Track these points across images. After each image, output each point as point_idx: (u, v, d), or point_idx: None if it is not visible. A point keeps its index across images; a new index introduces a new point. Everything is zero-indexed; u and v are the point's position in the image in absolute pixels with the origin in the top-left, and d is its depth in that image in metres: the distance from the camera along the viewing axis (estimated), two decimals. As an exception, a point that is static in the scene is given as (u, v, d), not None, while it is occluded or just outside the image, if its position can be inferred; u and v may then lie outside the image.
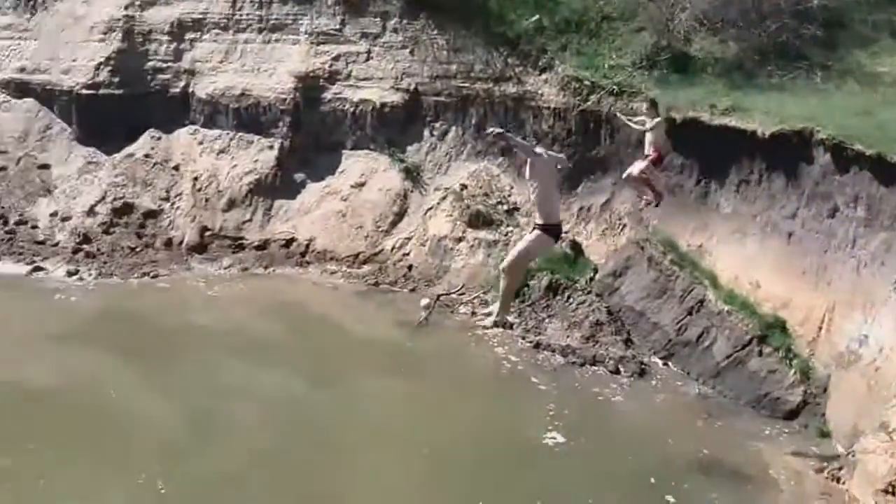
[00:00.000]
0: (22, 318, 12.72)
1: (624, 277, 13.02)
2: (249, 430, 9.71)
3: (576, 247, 14.16)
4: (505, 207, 15.30)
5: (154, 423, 9.76)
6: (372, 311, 13.76)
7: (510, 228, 14.82)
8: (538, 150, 9.92)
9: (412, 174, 15.99)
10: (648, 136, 12.94)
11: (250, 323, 13.01)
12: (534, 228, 9.85)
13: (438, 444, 9.64)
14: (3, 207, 15.80)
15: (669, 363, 11.83)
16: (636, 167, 12.97)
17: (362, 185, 16.04)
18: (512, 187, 15.50)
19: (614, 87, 14.54)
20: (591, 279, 13.45)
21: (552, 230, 9.74)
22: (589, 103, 14.69)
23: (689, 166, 13.51)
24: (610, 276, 13.21)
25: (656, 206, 13.25)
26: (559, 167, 10.76)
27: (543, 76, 15.41)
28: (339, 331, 12.95)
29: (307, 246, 15.46)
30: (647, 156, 12.91)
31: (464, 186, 15.57)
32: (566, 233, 13.74)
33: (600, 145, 14.82)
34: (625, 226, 14.33)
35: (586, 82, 14.80)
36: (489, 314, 11.06)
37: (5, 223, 15.51)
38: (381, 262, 15.18)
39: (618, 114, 14.05)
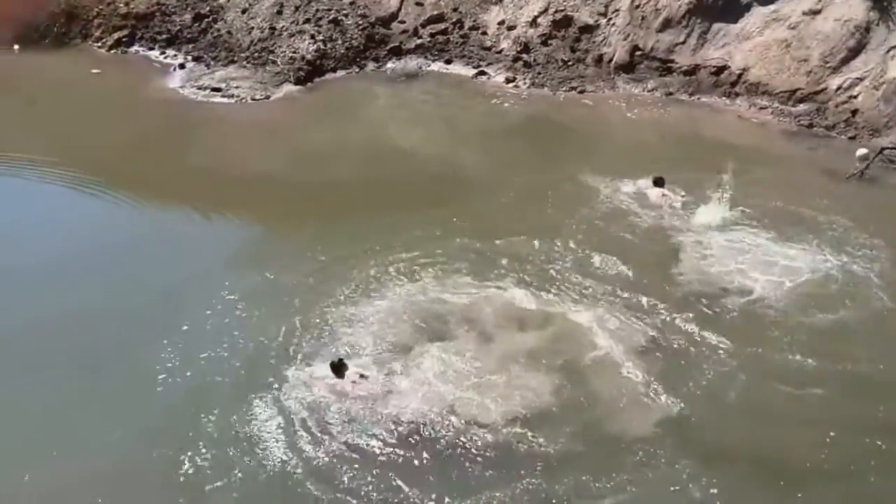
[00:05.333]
0: (465, 116, 14.39)
1: None
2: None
3: None
4: None
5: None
6: (798, 154, 12.69)
7: None
8: None
9: (881, 3, 13.71)
10: None
11: (656, 149, 12.92)
12: None
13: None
14: (460, 12, 17.14)
15: None
16: None
17: (817, 12, 14.22)
18: None
19: None
20: None
21: None
22: None
23: None
24: None
25: None
26: None
27: None
28: (754, 169, 12.19)
29: (739, 76, 14.44)
30: None
31: (947, 22, 13.02)
32: None
33: None
34: None
35: None
36: None
37: (461, 27, 16.91)
38: (822, 102, 13.66)
39: None
